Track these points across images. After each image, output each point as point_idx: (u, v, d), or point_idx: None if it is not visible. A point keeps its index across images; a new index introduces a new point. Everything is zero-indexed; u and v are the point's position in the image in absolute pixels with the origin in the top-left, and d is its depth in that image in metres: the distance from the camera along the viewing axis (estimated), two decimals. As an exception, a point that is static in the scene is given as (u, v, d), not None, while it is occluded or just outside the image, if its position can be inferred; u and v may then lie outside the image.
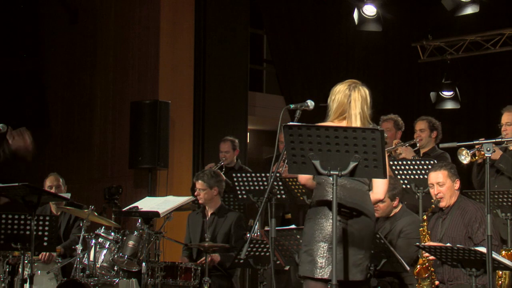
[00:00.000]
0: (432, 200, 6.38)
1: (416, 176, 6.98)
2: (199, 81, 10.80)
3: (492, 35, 12.06)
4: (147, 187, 10.16)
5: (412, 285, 6.41)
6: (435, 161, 6.90)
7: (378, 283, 5.91)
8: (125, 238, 7.29)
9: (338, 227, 4.75)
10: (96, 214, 7.56)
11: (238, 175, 7.61)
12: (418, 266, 6.23)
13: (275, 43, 11.84)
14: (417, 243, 6.13)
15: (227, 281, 7.58)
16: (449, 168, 6.37)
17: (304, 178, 5.16)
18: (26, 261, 6.82)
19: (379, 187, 5.13)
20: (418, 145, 8.24)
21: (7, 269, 7.45)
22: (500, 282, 6.21)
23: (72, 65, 11.40)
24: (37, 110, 11.50)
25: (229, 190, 8.20)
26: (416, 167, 6.99)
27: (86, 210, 7.54)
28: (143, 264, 6.95)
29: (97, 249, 7.35)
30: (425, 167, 6.91)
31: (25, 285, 6.62)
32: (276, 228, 5.25)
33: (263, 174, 7.51)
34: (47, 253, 7.62)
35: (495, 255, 5.21)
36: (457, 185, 6.36)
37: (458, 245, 5.55)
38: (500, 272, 6.16)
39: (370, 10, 10.87)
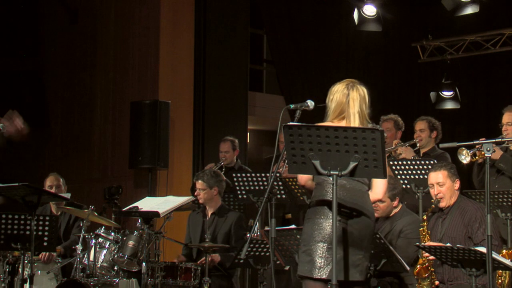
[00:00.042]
0: (432, 200, 6.38)
1: (416, 176, 6.98)
2: (199, 81, 10.80)
3: (492, 35, 12.06)
4: (147, 187, 10.16)
5: (412, 285, 6.41)
6: (435, 161, 6.90)
7: (378, 283, 5.91)
8: (125, 238, 7.29)
9: (337, 227, 4.75)
10: (96, 214, 7.56)
11: (238, 175, 7.61)
12: (418, 266, 6.23)
13: (275, 43, 11.84)
14: (417, 243, 6.13)
15: (227, 281, 7.58)
16: (449, 168, 6.37)
17: (304, 179, 5.15)
18: (26, 261, 6.82)
19: (378, 187, 5.13)
20: (418, 145, 8.24)
21: (7, 269, 7.45)
22: (500, 281, 6.21)
23: (72, 65, 11.40)
24: (37, 110, 11.50)
25: (229, 190, 8.20)
26: (416, 167, 6.99)
27: (86, 210, 7.54)
28: (143, 264, 6.95)
29: (97, 249, 7.35)
30: (425, 167, 6.91)
31: (25, 285, 6.62)
32: (276, 228, 5.25)
33: (263, 174, 7.51)
34: (47, 253, 7.62)
35: (495, 255, 5.21)
36: (457, 185, 6.36)
37: (458, 245, 5.55)
38: (500, 271, 6.16)
39: (370, 10, 10.87)
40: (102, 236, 7.39)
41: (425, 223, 6.32)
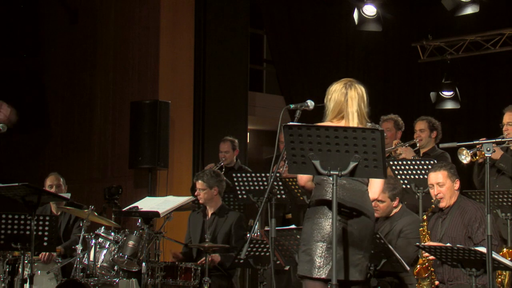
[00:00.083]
0: (432, 200, 6.38)
1: (416, 176, 6.98)
2: (199, 81, 10.80)
3: (492, 35, 12.06)
4: (147, 187, 10.16)
5: (412, 285, 6.41)
6: (435, 161, 6.90)
7: (378, 283, 5.91)
8: (125, 238, 7.29)
9: (337, 227, 4.75)
10: (96, 214, 7.56)
11: (238, 175, 7.61)
12: (418, 266, 6.23)
13: (275, 43, 11.84)
14: (417, 243, 6.13)
15: (227, 281, 7.58)
16: (448, 168, 6.37)
17: (304, 180, 5.14)
18: (26, 261, 6.83)
19: (374, 186, 5.13)
20: (418, 145, 8.24)
21: (7, 269, 7.45)
22: (500, 279, 6.21)
23: (72, 65, 11.40)
24: (37, 110, 11.50)
25: (229, 190, 8.20)
26: (416, 167, 6.99)
27: (86, 210, 7.54)
28: (143, 264, 6.95)
29: (97, 249, 7.35)
30: (425, 167, 6.91)
31: (25, 285, 6.63)
32: (276, 228, 5.25)
33: (263, 174, 7.51)
34: (47, 253, 7.62)
35: (495, 255, 5.21)
36: (457, 185, 6.36)
37: (458, 245, 5.55)
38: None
39: (370, 10, 10.87)
40: (102, 236, 7.39)
41: (425, 223, 6.32)
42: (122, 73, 10.87)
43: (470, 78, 12.89)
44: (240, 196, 7.61)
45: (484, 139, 5.48)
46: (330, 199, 4.70)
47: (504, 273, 6.21)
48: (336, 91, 5.12)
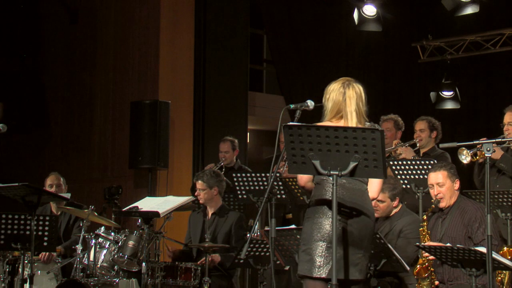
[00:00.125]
0: (432, 200, 6.38)
1: (416, 176, 6.97)
2: (199, 81, 10.80)
3: (492, 35, 12.06)
4: (147, 187, 10.16)
5: (412, 285, 6.41)
6: (435, 161, 6.90)
7: (378, 283, 5.91)
8: (125, 238, 7.29)
9: (337, 227, 4.75)
10: (96, 214, 7.56)
11: (238, 175, 7.61)
12: (418, 266, 6.23)
13: (275, 43, 11.84)
14: (417, 243, 6.13)
15: (227, 281, 7.58)
16: (448, 168, 6.37)
17: (304, 180, 5.14)
18: (26, 261, 6.83)
19: (373, 186, 5.12)
20: (418, 145, 8.24)
21: (7, 269, 7.45)
22: (500, 278, 6.21)
23: (72, 65, 11.40)
24: (37, 110, 11.50)
25: (229, 190, 8.20)
26: (416, 167, 6.99)
27: (86, 210, 7.54)
28: (143, 264, 6.95)
29: (97, 249, 7.35)
30: (425, 167, 6.91)
31: (25, 285, 6.63)
32: (276, 228, 5.25)
33: (263, 174, 7.51)
34: (47, 253, 7.62)
35: (495, 255, 5.21)
36: (457, 185, 6.36)
37: (458, 245, 5.55)
38: (500, 269, 6.16)
39: (370, 10, 10.87)
40: (102, 236, 7.38)
41: (425, 223, 6.32)
42: (122, 73, 10.87)
43: (470, 78, 12.88)
44: (240, 196, 7.61)
45: (484, 139, 5.48)
46: (330, 198, 4.70)
47: (504, 272, 6.21)
48: (334, 91, 5.12)
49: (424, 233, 6.29)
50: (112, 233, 7.41)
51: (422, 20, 12.80)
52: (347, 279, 4.90)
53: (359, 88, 5.12)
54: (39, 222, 6.94)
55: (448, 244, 5.66)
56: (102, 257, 7.38)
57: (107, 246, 7.38)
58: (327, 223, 4.91)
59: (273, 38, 11.88)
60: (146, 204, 7.32)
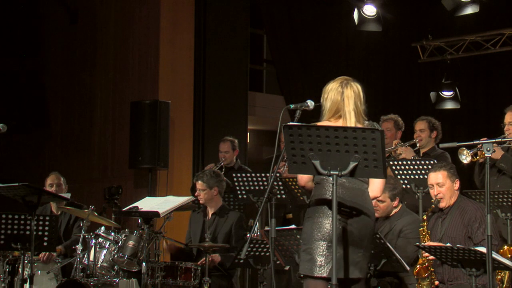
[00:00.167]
0: (432, 200, 6.38)
1: (416, 176, 6.97)
2: (199, 81, 10.80)
3: (492, 35, 12.06)
4: (147, 187, 10.16)
5: (411, 285, 6.41)
6: (435, 161, 6.90)
7: (378, 283, 5.91)
8: (125, 238, 7.29)
9: (337, 226, 4.75)
10: (96, 214, 7.56)
11: (238, 175, 7.61)
12: (418, 266, 6.23)
13: (275, 43, 11.83)
14: (417, 243, 6.13)
15: (227, 281, 7.58)
16: (448, 168, 6.37)
17: (304, 180, 5.13)
18: (26, 261, 6.83)
19: (376, 185, 5.12)
20: (418, 145, 8.24)
21: (7, 269, 7.45)
22: (499, 276, 6.20)
23: (72, 65, 11.40)
24: (37, 110, 11.51)
25: (229, 190, 8.20)
26: (416, 167, 6.99)
27: (86, 210, 7.54)
28: (143, 264, 6.95)
29: (97, 249, 7.35)
30: (425, 167, 6.91)
31: (25, 285, 6.63)
32: (276, 228, 5.25)
33: (263, 174, 7.51)
34: (46, 253, 7.62)
35: (495, 255, 5.21)
36: (456, 185, 6.36)
37: (458, 245, 5.55)
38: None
39: (370, 10, 10.87)
40: (102, 236, 7.38)
41: (425, 223, 6.32)
42: (122, 73, 10.87)
43: (470, 78, 12.88)
44: (240, 196, 7.61)
45: (485, 139, 5.48)
46: (330, 198, 4.70)
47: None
48: (332, 90, 5.11)
49: (424, 233, 6.29)
50: (112, 233, 7.41)
51: (422, 20, 12.80)
52: (347, 278, 4.90)
53: (357, 87, 5.11)
54: (39, 222, 6.95)
55: (448, 244, 5.66)
56: (102, 257, 7.37)
57: (107, 246, 7.38)
58: (327, 222, 4.91)
59: (273, 38, 11.88)
60: (146, 204, 7.32)
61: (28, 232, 6.68)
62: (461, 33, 12.25)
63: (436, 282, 6.23)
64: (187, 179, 10.32)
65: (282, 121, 4.91)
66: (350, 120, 5.02)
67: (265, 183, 7.41)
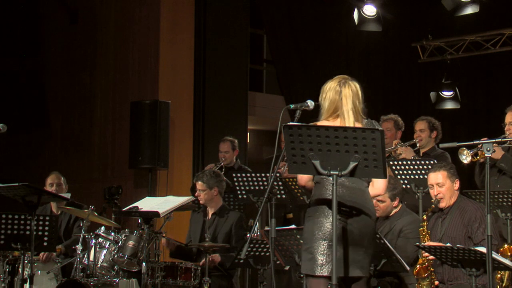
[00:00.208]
0: (432, 200, 6.38)
1: (416, 176, 6.97)
2: (199, 81, 10.80)
3: (492, 35, 12.06)
4: (147, 187, 10.16)
5: (412, 285, 6.41)
6: (435, 161, 6.90)
7: (378, 283, 5.91)
8: (125, 238, 7.28)
9: (337, 226, 4.75)
10: (96, 214, 7.56)
11: (238, 175, 7.61)
12: (418, 266, 6.23)
13: (275, 43, 11.84)
14: (417, 243, 6.13)
15: (227, 281, 7.58)
16: (448, 168, 6.37)
17: (304, 180, 5.13)
18: (26, 261, 6.83)
19: (379, 183, 5.11)
20: (418, 145, 8.24)
21: (7, 269, 7.45)
22: (499, 275, 6.20)
23: (72, 65, 11.40)
24: (37, 110, 11.51)
25: (229, 190, 8.20)
26: (416, 167, 6.99)
27: (86, 210, 7.54)
28: (143, 264, 6.95)
29: (97, 249, 7.35)
30: (425, 167, 6.91)
31: (25, 285, 6.63)
32: (276, 228, 5.25)
33: (263, 174, 7.51)
34: (46, 253, 7.62)
35: (495, 255, 5.21)
36: (456, 185, 6.36)
37: (458, 245, 5.55)
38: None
39: (370, 10, 10.87)
40: (102, 236, 7.38)
41: (425, 223, 6.32)
42: (122, 73, 10.87)
43: (470, 78, 12.89)
44: (240, 196, 7.61)
45: (485, 139, 5.47)
46: (330, 197, 4.70)
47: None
48: (330, 90, 5.11)
49: (424, 233, 6.29)
50: (112, 233, 7.41)
51: (422, 20, 12.80)
52: (348, 276, 4.90)
53: (355, 86, 5.10)
54: (39, 222, 6.95)
55: (448, 244, 5.66)
56: (102, 257, 7.37)
57: (107, 246, 7.38)
58: (327, 222, 4.90)
59: (273, 38, 11.88)
60: (146, 204, 7.31)
61: (28, 232, 6.68)
62: (461, 33, 12.25)
63: (436, 282, 6.23)
64: (187, 179, 10.32)
65: (282, 121, 4.91)
66: (349, 119, 5.01)
67: (265, 183, 7.41)
